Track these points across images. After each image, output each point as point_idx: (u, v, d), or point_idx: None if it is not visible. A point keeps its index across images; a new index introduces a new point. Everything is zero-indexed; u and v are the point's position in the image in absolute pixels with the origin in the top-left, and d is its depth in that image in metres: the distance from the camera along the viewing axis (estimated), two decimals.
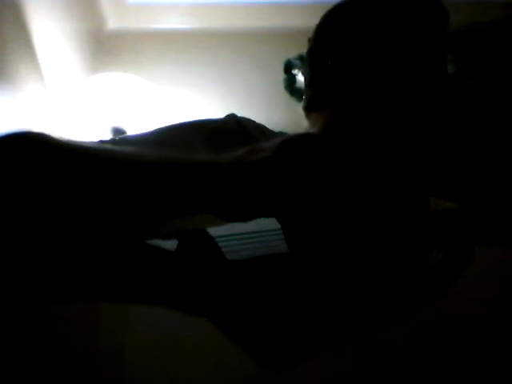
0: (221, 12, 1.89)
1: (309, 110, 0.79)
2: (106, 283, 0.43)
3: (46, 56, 1.51)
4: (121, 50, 1.82)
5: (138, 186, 0.47)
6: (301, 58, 1.60)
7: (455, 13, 0.77)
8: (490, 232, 0.55)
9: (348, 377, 0.32)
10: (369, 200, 0.48)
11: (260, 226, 0.49)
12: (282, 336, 0.35)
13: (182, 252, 0.46)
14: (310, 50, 0.80)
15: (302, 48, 0.83)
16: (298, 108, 0.86)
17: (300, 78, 1.64)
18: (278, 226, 0.46)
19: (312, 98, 0.78)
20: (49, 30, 1.55)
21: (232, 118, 0.77)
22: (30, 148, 0.50)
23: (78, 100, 1.59)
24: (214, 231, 0.48)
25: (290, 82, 1.68)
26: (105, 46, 1.83)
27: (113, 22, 1.89)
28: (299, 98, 1.63)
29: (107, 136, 1.56)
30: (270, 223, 0.46)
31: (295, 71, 1.67)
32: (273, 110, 1.65)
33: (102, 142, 0.67)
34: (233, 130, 0.73)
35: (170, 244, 0.47)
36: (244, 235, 0.49)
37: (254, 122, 0.79)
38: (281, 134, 0.79)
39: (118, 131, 1.57)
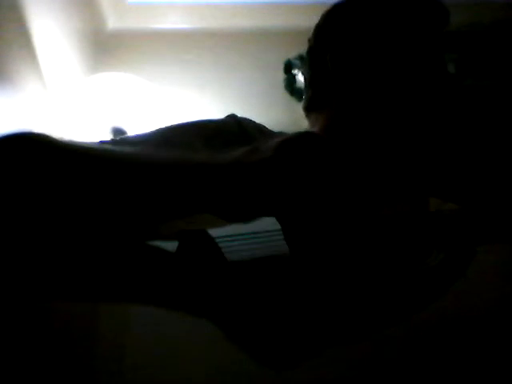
0: (221, 12, 1.89)
1: (309, 110, 0.79)
2: (106, 283, 0.43)
3: (46, 56, 1.51)
4: (121, 50, 1.82)
5: (138, 186, 0.47)
6: (301, 57, 1.60)
7: (455, 13, 0.77)
8: (490, 232, 0.55)
9: (348, 377, 0.32)
10: (369, 200, 0.48)
11: (260, 227, 0.49)
12: (282, 336, 0.35)
13: (183, 252, 0.46)
14: (310, 50, 0.80)
15: (302, 48, 0.84)
16: (298, 108, 0.86)
17: (300, 78, 1.64)
18: (279, 226, 0.45)
19: (312, 98, 0.78)
20: (49, 30, 1.55)
21: (232, 118, 0.77)
22: (30, 149, 0.50)
23: (78, 100, 1.59)
24: (215, 232, 0.48)
25: (290, 82, 1.69)
26: (105, 45, 1.83)
27: (113, 22, 1.89)
28: (299, 98, 1.63)
29: (107, 136, 1.56)
30: (270, 224, 0.46)
31: (295, 71, 1.68)
32: (273, 110, 1.65)
33: (102, 142, 0.67)
34: (233, 130, 0.73)
35: (171, 245, 0.47)
36: (245, 236, 0.49)
37: (254, 122, 0.79)
38: (280, 134, 0.79)
39: (117, 131, 1.57)
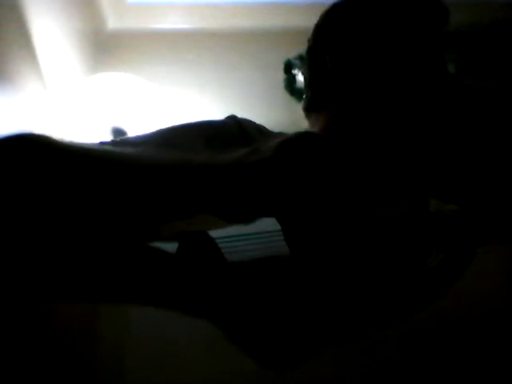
0: (221, 12, 1.89)
1: (308, 110, 0.79)
2: (106, 284, 0.43)
3: (46, 56, 1.51)
4: (121, 50, 1.82)
5: (138, 187, 0.47)
6: (301, 57, 1.60)
7: (455, 13, 0.77)
8: (490, 233, 0.55)
9: (348, 377, 0.32)
10: (369, 200, 0.48)
11: (261, 228, 0.49)
12: (282, 336, 0.35)
13: (183, 253, 0.46)
14: (309, 50, 0.80)
15: (302, 48, 0.84)
16: (298, 108, 0.86)
17: (300, 78, 1.64)
18: (279, 227, 0.45)
19: (311, 99, 0.77)
20: (49, 30, 1.55)
21: (232, 119, 0.77)
22: (31, 150, 0.50)
23: (78, 100, 1.59)
24: (215, 232, 0.48)
25: (290, 82, 1.69)
26: (105, 45, 1.83)
27: (113, 22, 1.89)
28: (299, 98, 1.63)
29: (107, 136, 1.56)
30: (270, 224, 0.46)
31: (295, 71, 1.68)
32: (273, 110, 1.65)
33: (102, 143, 0.67)
34: (233, 131, 0.73)
35: (171, 246, 0.47)
36: (245, 236, 0.49)
37: (255, 123, 0.79)
38: (280, 134, 0.79)
39: (117, 131, 1.57)
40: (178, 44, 1.83)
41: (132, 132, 1.57)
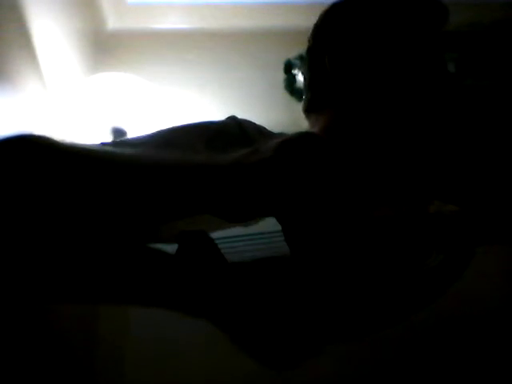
0: (221, 12, 1.89)
1: (308, 111, 0.79)
2: (106, 285, 0.43)
3: (46, 56, 1.51)
4: (121, 50, 1.82)
5: (139, 187, 0.47)
6: (301, 57, 1.60)
7: (455, 13, 0.77)
8: (489, 233, 0.55)
9: (348, 377, 0.32)
10: (368, 201, 0.48)
11: (261, 228, 0.49)
12: (282, 336, 0.35)
13: (182, 254, 0.46)
14: (309, 51, 0.80)
15: (302, 48, 0.83)
16: (298, 108, 0.86)
17: (300, 78, 1.64)
18: (279, 227, 0.46)
19: (311, 99, 0.77)
20: (49, 30, 1.55)
21: (232, 120, 0.77)
22: (31, 151, 0.50)
23: (78, 100, 1.59)
24: (216, 233, 0.48)
25: (290, 82, 1.68)
26: (105, 45, 1.83)
27: (113, 22, 1.89)
28: (299, 98, 1.63)
29: (107, 136, 1.56)
30: (271, 225, 0.46)
31: (295, 71, 1.67)
32: (273, 110, 1.65)
33: (103, 144, 0.67)
34: (233, 131, 0.73)
35: (171, 247, 0.47)
36: (245, 237, 0.49)
37: (255, 123, 0.79)
38: (280, 135, 0.79)
39: (118, 131, 1.57)
40: (177, 44, 1.83)
41: (132, 132, 1.57)
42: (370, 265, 0.45)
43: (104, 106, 1.57)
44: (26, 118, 1.42)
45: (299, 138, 0.45)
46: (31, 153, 0.50)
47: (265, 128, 0.80)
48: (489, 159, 0.78)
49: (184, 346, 0.34)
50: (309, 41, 0.80)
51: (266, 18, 1.86)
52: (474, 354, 0.34)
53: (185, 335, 0.35)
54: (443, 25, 0.75)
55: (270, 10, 1.88)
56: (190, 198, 0.46)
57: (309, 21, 0.81)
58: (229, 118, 0.77)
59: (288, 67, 1.69)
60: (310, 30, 0.80)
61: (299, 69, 1.64)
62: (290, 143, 0.44)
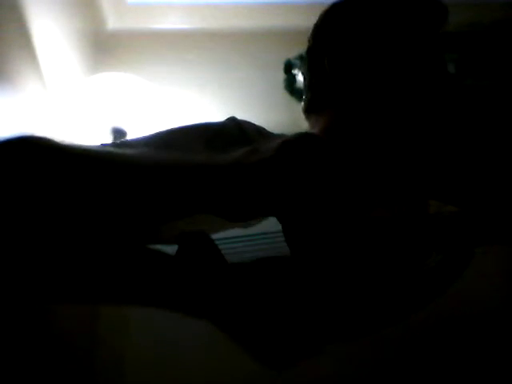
0: (221, 12, 1.89)
1: (308, 111, 0.78)
2: (106, 285, 0.43)
3: (46, 56, 1.51)
4: (121, 50, 1.82)
5: (139, 187, 0.48)
6: (301, 57, 1.60)
7: (455, 13, 0.77)
8: (489, 234, 0.55)
9: (348, 377, 0.32)
10: (368, 201, 0.48)
11: (265, 228, 0.49)
12: (282, 335, 0.35)
13: (183, 254, 0.46)
14: (308, 51, 0.80)
15: (302, 48, 0.83)
16: (298, 108, 0.86)
17: (300, 78, 1.64)
18: (280, 228, 0.46)
19: (311, 100, 0.77)
20: (49, 30, 1.55)
21: (232, 121, 0.76)
22: (32, 152, 0.50)
23: (78, 100, 1.59)
24: (218, 233, 0.49)
25: (290, 82, 1.68)
26: (105, 45, 1.83)
27: (113, 22, 1.89)
28: (299, 98, 1.62)
29: (107, 136, 1.56)
30: (271, 225, 0.46)
31: (295, 71, 1.67)
32: (273, 110, 1.65)
33: (103, 145, 0.67)
34: (233, 132, 0.73)
35: (171, 249, 0.47)
36: (247, 237, 0.50)
37: (254, 124, 0.79)
38: (280, 136, 0.79)
39: (118, 131, 1.57)
40: (178, 44, 1.83)
41: (132, 132, 1.57)
42: (369, 264, 0.46)
43: (104, 106, 1.57)
44: (26, 118, 1.42)
45: (299, 138, 0.45)
46: (32, 154, 0.50)
47: (264, 129, 0.79)
48: (489, 159, 0.78)
49: (184, 347, 0.34)
50: (309, 41, 0.80)
51: (265, 18, 1.86)
52: (473, 353, 0.34)
53: (185, 336, 0.35)
54: (443, 25, 0.75)
55: (270, 10, 1.88)
56: (190, 197, 0.46)
57: (309, 21, 0.81)
58: (228, 119, 0.77)
59: (288, 67, 1.69)
60: (310, 30, 0.80)
61: (299, 69, 1.64)
62: (291, 144, 0.45)
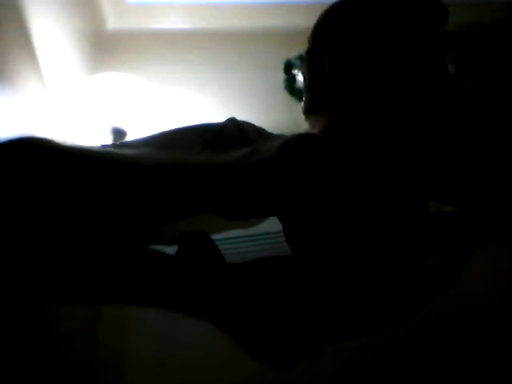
0: (221, 12, 1.89)
1: (308, 112, 0.78)
2: (107, 286, 0.43)
3: (46, 56, 1.51)
4: (121, 50, 1.82)
5: (140, 187, 0.48)
6: (301, 57, 1.59)
7: (455, 13, 0.77)
8: (489, 234, 0.55)
9: (348, 377, 0.32)
10: (368, 202, 0.48)
11: (266, 228, 0.49)
12: (283, 334, 0.35)
13: (183, 254, 0.46)
14: (308, 51, 0.80)
15: (302, 48, 0.83)
16: (298, 108, 0.86)
17: (300, 78, 1.64)
18: (280, 228, 0.46)
19: (311, 100, 0.77)
20: (49, 30, 1.55)
21: (232, 121, 0.76)
22: (32, 153, 0.50)
23: (78, 100, 1.59)
24: (217, 234, 0.49)
25: (290, 82, 1.68)
26: (105, 45, 1.83)
27: (113, 22, 1.89)
28: (299, 98, 1.62)
29: (107, 136, 1.56)
30: (273, 225, 0.46)
31: (295, 71, 1.67)
32: (273, 110, 1.65)
33: (103, 146, 0.67)
34: (233, 133, 0.73)
35: (171, 249, 0.47)
36: (248, 238, 0.50)
37: (254, 125, 0.79)
38: (280, 137, 0.79)
39: (117, 131, 1.57)
40: (178, 44, 1.83)
41: (132, 132, 1.57)
42: (369, 264, 0.46)
43: (104, 106, 1.57)
44: (26, 119, 1.42)
45: (299, 138, 0.45)
46: (33, 155, 0.50)
47: (264, 130, 0.80)
48: (488, 159, 0.78)
49: (184, 347, 0.34)
50: (309, 41, 0.80)
51: (266, 18, 1.86)
52: (473, 353, 0.34)
53: (185, 336, 0.36)
54: (443, 25, 0.75)
55: (270, 10, 1.88)
56: (190, 197, 0.46)
57: (309, 21, 0.81)
58: (228, 119, 0.77)
59: (288, 67, 1.69)
60: (310, 30, 0.80)
61: (299, 69, 1.64)
62: (291, 144, 0.45)
